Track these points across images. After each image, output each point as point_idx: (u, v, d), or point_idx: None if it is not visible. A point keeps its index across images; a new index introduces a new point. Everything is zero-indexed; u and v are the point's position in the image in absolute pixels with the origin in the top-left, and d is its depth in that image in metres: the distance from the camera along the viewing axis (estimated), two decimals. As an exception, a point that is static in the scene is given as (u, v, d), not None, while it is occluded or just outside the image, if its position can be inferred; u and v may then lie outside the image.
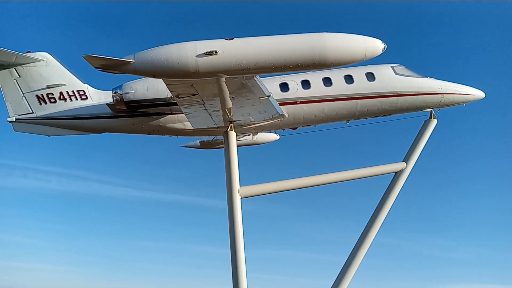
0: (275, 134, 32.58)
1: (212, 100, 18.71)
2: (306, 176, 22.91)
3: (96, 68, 14.09)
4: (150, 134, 23.73)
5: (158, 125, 22.93)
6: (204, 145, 30.90)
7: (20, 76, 22.83)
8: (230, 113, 21.07)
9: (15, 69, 22.77)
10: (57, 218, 69.35)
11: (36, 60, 22.95)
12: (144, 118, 22.65)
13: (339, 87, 23.38)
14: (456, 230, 67.38)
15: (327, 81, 23.44)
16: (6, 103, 22.80)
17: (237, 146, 30.65)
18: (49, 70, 23.09)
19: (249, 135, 29.42)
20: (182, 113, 20.83)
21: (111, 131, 23.44)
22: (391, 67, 24.41)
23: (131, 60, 13.85)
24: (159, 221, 71.38)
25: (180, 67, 13.85)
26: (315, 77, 23.57)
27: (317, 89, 23.27)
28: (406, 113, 25.23)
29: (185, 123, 22.76)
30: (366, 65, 24.54)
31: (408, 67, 25.09)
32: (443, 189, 70.26)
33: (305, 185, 23.05)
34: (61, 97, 23.08)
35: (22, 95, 22.87)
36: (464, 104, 25.45)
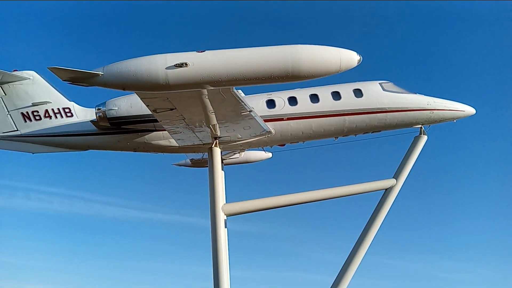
0: (268, 153, 32.35)
1: (192, 115, 18.54)
2: (294, 193, 22.43)
3: (65, 81, 13.98)
4: (135, 151, 23.55)
5: (144, 142, 22.76)
6: (195, 163, 30.62)
7: (5, 94, 22.89)
8: (214, 129, 20.89)
9: (1, 87, 22.84)
10: (59, 240, 68.85)
11: (22, 78, 23.03)
12: (128, 135, 22.50)
13: (326, 103, 23.21)
14: (450, 250, 65.74)
15: (314, 98, 23.30)
16: None
17: (229, 164, 30.99)
18: (35, 88, 23.15)
19: (237, 152, 29.10)
20: None
21: (95, 148, 23.28)
22: (379, 83, 24.27)
23: (100, 73, 13.74)
24: (161, 242, 70.56)
25: (149, 79, 13.71)
26: (302, 94, 23.46)
27: (304, 105, 23.12)
28: (396, 129, 24.95)
29: (170, 140, 22.55)
30: (355, 81, 24.61)
31: (396, 83, 24.96)
32: (434, 205, 68.69)
33: (292, 203, 22.56)
34: (46, 115, 23.05)
35: (7, 112, 22.87)
36: (455, 121, 25.13)
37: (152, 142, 22.79)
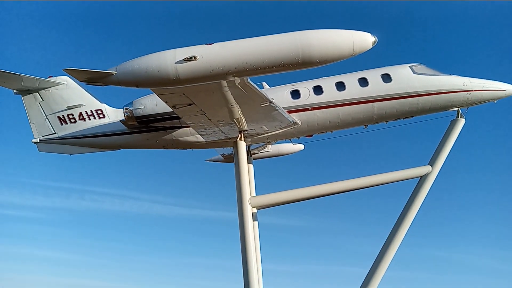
0: (300, 144, 32.02)
1: (212, 109, 18.63)
2: (322, 184, 21.99)
3: (82, 81, 14.50)
4: (165, 148, 24.05)
5: (172, 138, 23.19)
6: (227, 158, 30.84)
7: (43, 100, 24.16)
8: (239, 123, 20.90)
9: (38, 93, 24.15)
10: (110, 237, 72.11)
11: (57, 84, 24.22)
12: (157, 132, 23.02)
13: (353, 90, 22.52)
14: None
15: (340, 85, 22.69)
16: (31, 125, 24.15)
17: (261, 157, 30.99)
18: (69, 92, 24.26)
19: (266, 145, 28.99)
20: None
21: (127, 147, 24.04)
22: (409, 66, 23.24)
23: (114, 72, 14.12)
24: (207, 237, 72.04)
25: (160, 75, 13.91)
26: (328, 82, 22.93)
27: (330, 94, 22.56)
28: (430, 113, 23.78)
29: (197, 135, 22.80)
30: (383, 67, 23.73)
31: (429, 65, 23.80)
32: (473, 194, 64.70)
33: (322, 194, 22.13)
34: (81, 117, 24.10)
35: (45, 117, 24.13)
36: (495, 101, 23.57)
37: (180, 138, 23.16)
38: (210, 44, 14.06)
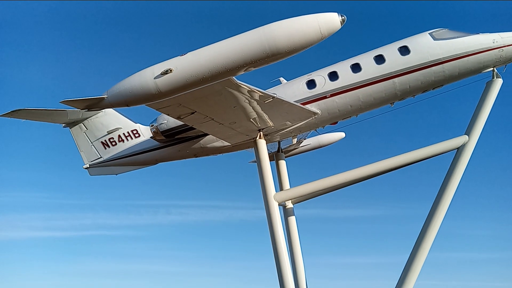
0: (341, 133, 31.33)
1: (217, 114, 19.25)
2: (347, 171, 21.42)
3: (83, 109, 15.98)
4: (196, 156, 25.21)
5: (200, 147, 24.26)
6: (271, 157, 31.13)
7: (87, 129, 26.75)
8: (255, 122, 21.30)
9: (83, 123, 26.79)
10: (197, 246, 76.05)
11: (97, 112, 26.65)
12: (186, 143, 24.23)
13: (370, 70, 21.71)
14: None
15: (356, 67, 22.01)
16: (80, 153, 26.84)
17: (303, 151, 30.94)
18: (107, 118, 26.57)
19: (301, 140, 28.85)
20: None
21: (162, 161, 25.61)
22: (429, 33, 21.78)
23: (105, 96, 15.39)
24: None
25: (143, 92, 14.85)
26: (342, 66, 22.37)
27: (346, 77, 21.98)
28: (461, 79, 22.02)
29: (222, 140, 23.63)
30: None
31: (454, 28, 22.06)
32: None
33: (349, 180, 21.64)
34: (120, 139, 26.24)
35: (91, 144, 26.67)
36: None
37: (208, 145, 24.13)
38: (183, 54, 14.73)
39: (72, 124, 26.86)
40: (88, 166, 26.55)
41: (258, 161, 21.86)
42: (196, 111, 18.43)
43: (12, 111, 22.31)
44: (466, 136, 21.21)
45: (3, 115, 22.28)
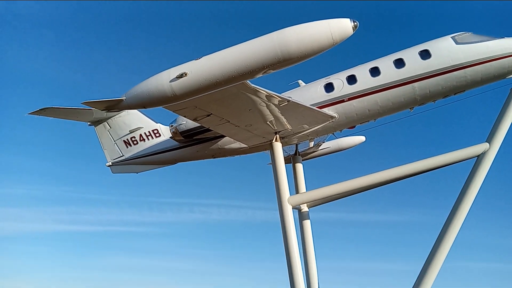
0: (361, 136, 31.11)
1: (233, 116, 19.54)
2: (361, 176, 21.28)
3: (103, 110, 16.59)
4: (214, 157, 25.61)
5: (218, 148, 24.64)
6: (287, 160, 31.23)
7: (111, 128, 27.60)
8: (272, 124, 21.48)
9: (107, 122, 27.66)
10: (219, 245, 76.86)
11: (120, 112, 27.44)
12: (204, 144, 24.66)
13: (389, 74, 21.49)
14: None
15: (375, 71, 21.83)
16: (104, 151, 27.72)
17: (322, 154, 30.91)
18: (129, 117, 27.36)
19: (319, 143, 28.81)
20: None
21: (181, 161, 26.15)
22: (451, 37, 21.36)
23: (123, 98, 15.93)
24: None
25: (160, 94, 15.30)
26: (361, 70, 22.23)
27: (364, 81, 21.84)
28: (484, 85, 21.52)
29: (240, 142, 23.91)
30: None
31: (478, 32, 21.57)
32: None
33: (365, 186, 21.49)
34: (141, 138, 26.96)
35: (114, 142, 27.50)
36: None
37: (225, 147, 24.48)
38: (198, 58, 15.09)
39: (96, 122, 27.77)
40: (111, 164, 27.38)
41: (273, 163, 22.00)
42: (212, 114, 18.79)
43: (41, 109, 23.31)
44: (487, 144, 20.70)
45: (32, 113, 23.29)
